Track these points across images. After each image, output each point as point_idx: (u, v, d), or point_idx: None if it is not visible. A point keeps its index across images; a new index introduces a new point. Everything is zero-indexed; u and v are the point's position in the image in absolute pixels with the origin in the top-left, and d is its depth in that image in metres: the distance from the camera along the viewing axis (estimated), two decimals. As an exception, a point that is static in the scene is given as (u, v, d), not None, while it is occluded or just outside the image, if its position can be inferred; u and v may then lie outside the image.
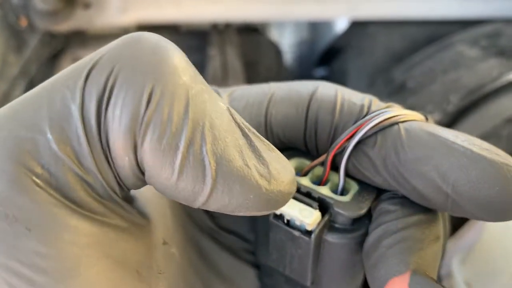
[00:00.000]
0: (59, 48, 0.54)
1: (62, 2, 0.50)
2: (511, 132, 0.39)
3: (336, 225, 0.20)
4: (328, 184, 0.21)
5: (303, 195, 0.21)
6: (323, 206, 0.20)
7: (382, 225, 0.20)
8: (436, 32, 0.54)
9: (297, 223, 0.20)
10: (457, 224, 0.37)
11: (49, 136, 0.15)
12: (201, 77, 0.17)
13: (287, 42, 0.71)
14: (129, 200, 0.18)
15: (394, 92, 0.49)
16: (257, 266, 0.24)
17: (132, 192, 0.18)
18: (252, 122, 0.21)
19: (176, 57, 0.16)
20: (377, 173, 0.20)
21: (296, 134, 0.21)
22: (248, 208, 0.16)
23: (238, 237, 0.23)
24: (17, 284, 0.15)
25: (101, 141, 0.15)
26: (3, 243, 0.15)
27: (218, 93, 0.22)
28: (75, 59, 0.53)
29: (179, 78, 0.15)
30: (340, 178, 0.21)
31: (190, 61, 0.17)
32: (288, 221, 0.21)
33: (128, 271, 0.17)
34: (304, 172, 0.21)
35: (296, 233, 0.20)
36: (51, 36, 0.53)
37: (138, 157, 0.16)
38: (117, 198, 0.17)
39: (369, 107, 0.21)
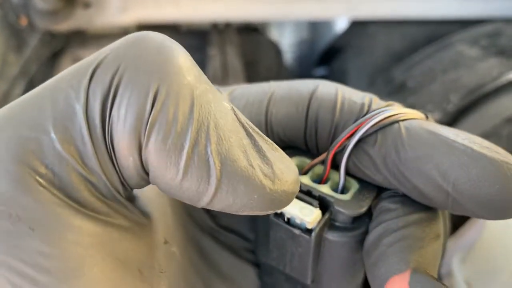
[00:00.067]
0: (59, 47, 0.54)
1: (62, 2, 0.50)
2: (511, 132, 0.39)
3: (337, 224, 0.20)
4: (329, 183, 0.21)
5: (304, 194, 0.21)
6: (324, 204, 0.20)
7: (383, 223, 0.20)
8: (436, 32, 0.54)
9: (298, 221, 0.20)
10: (458, 222, 0.37)
11: (53, 135, 0.15)
12: (205, 77, 0.17)
13: (287, 42, 0.71)
14: (131, 199, 0.18)
15: (394, 91, 0.49)
16: (257, 264, 0.24)
17: (134, 190, 0.18)
18: (252, 121, 0.21)
19: (181, 57, 0.16)
20: (378, 171, 0.20)
21: (296, 133, 0.21)
22: (252, 208, 0.16)
23: (238, 236, 0.23)
24: (20, 283, 0.15)
25: (105, 141, 0.15)
26: (6, 243, 0.15)
27: (220, 92, 0.22)
28: (75, 59, 0.53)
29: (184, 78, 0.15)
30: (341, 176, 0.21)
31: None
32: (288, 219, 0.21)
33: (130, 270, 0.17)
34: (304, 171, 0.21)
35: (297, 231, 0.20)
36: (51, 35, 0.53)
37: (143, 157, 0.15)
38: (121, 198, 0.17)
39: (369, 106, 0.21)
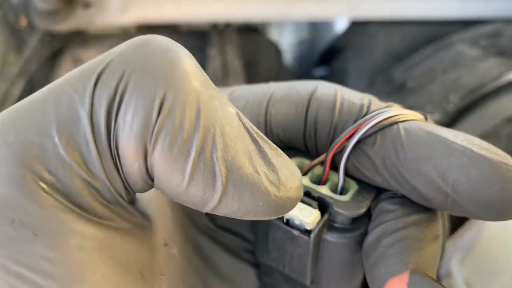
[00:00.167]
0: (58, 47, 0.54)
1: (62, 2, 0.50)
2: (511, 132, 0.39)
3: (336, 225, 0.20)
4: (328, 184, 0.21)
5: (303, 195, 0.21)
6: (323, 205, 0.20)
7: (382, 224, 0.20)
8: (436, 32, 0.54)
9: (297, 222, 0.20)
10: (457, 223, 0.37)
11: (57, 140, 0.15)
12: (210, 81, 0.16)
13: (287, 42, 0.71)
14: (132, 201, 0.18)
15: (394, 91, 0.49)
16: (256, 265, 0.24)
17: None
18: (252, 122, 0.21)
19: (187, 62, 0.16)
20: (377, 172, 0.20)
21: (295, 134, 0.21)
22: (256, 214, 0.16)
23: (237, 236, 0.23)
24: None
25: (110, 147, 0.15)
26: (9, 248, 0.15)
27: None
28: (75, 59, 0.53)
29: (190, 84, 0.15)
30: (340, 177, 0.21)
31: None
32: (287, 220, 0.21)
33: (131, 274, 0.17)
34: (303, 172, 0.21)
35: (296, 232, 0.20)
36: (51, 35, 0.53)
37: (148, 163, 0.15)
38: (123, 202, 0.17)
39: (368, 107, 0.21)
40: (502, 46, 0.47)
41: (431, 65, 0.48)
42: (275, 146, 0.17)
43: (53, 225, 0.15)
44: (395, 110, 0.20)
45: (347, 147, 0.20)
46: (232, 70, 0.53)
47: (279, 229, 0.21)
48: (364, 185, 0.21)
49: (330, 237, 0.20)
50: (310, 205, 0.20)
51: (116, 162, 0.16)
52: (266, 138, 0.17)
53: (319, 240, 0.20)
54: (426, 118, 0.21)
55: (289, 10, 0.55)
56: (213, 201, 0.16)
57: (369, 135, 0.20)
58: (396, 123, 0.20)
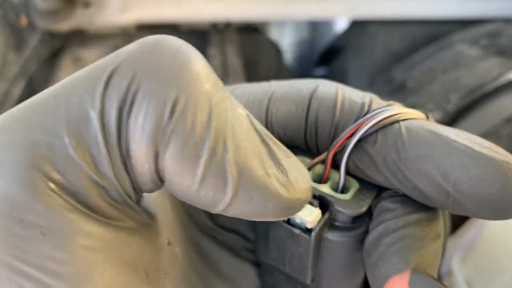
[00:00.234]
0: (59, 47, 0.54)
1: (62, 1, 0.50)
2: (511, 131, 0.39)
3: (337, 223, 0.20)
4: (329, 182, 0.21)
5: None
6: (324, 204, 0.20)
7: (383, 223, 0.20)
8: (436, 32, 0.54)
9: (297, 221, 0.20)
10: (458, 222, 0.37)
11: (66, 140, 0.15)
12: (221, 83, 0.16)
13: (287, 42, 0.71)
14: (139, 201, 0.18)
15: (394, 91, 0.49)
16: (257, 264, 0.24)
17: None
18: None
19: (199, 64, 0.16)
20: (378, 171, 0.20)
21: (296, 133, 0.21)
22: (266, 215, 0.16)
23: (238, 235, 0.23)
24: None
25: (119, 148, 0.15)
26: (17, 248, 0.15)
27: None
28: (75, 59, 0.53)
29: (202, 86, 0.15)
30: (341, 176, 0.21)
31: None
32: (288, 219, 0.21)
33: (137, 273, 0.17)
34: (304, 170, 0.21)
35: (296, 231, 0.20)
36: (51, 35, 0.53)
37: (159, 165, 0.15)
38: (131, 202, 0.17)
39: (369, 105, 0.21)
40: (502, 45, 0.47)
41: (431, 65, 0.48)
42: (284, 147, 0.17)
43: (61, 225, 0.15)
44: (396, 109, 0.20)
45: (348, 145, 0.20)
46: (232, 70, 0.53)
47: (279, 228, 0.21)
48: (365, 184, 0.21)
49: (331, 235, 0.20)
50: (311, 203, 0.20)
51: (126, 163, 0.15)
52: (276, 139, 0.17)
53: (320, 238, 0.20)
54: (427, 117, 0.21)
55: (289, 10, 0.55)
56: (223, 202, 0.16)
57: (370, 134, 0.20)
58: (397, 121, 0.20)
